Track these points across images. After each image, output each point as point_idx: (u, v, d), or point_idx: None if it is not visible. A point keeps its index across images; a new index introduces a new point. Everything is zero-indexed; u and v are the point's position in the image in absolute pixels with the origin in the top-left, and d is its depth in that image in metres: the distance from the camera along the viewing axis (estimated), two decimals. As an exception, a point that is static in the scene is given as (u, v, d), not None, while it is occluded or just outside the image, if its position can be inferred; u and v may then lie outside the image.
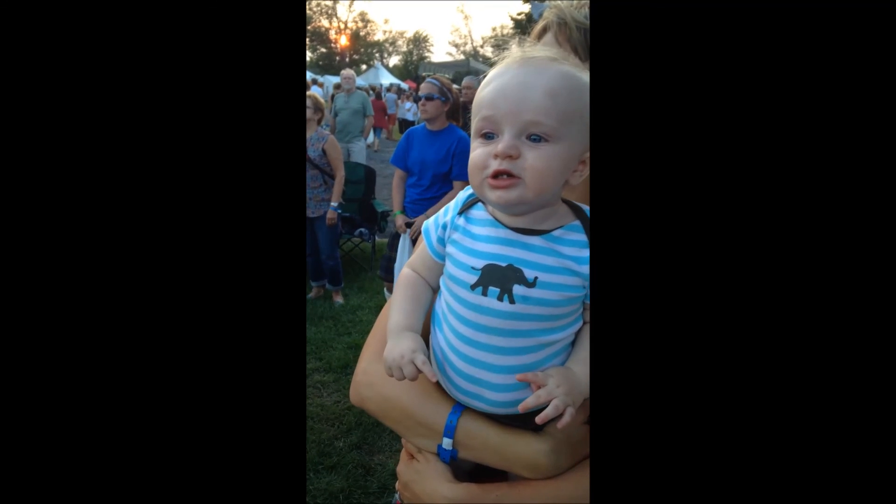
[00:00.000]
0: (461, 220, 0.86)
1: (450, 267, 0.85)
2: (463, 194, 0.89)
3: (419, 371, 0.79)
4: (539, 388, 0.75)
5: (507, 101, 0.75)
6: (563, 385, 0.76)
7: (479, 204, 0.86)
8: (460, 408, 0.88)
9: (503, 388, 0.81)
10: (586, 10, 0.88)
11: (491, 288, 0.79)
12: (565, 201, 0.84)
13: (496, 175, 0.75)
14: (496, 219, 0.83)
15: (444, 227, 0.87)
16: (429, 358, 0.85)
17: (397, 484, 0.98)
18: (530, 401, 0.75)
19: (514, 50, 0.80)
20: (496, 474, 0.89)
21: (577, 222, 0.82)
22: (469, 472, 0.91)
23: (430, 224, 0.90)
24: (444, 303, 0.87)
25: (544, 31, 0.94)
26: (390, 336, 0.86)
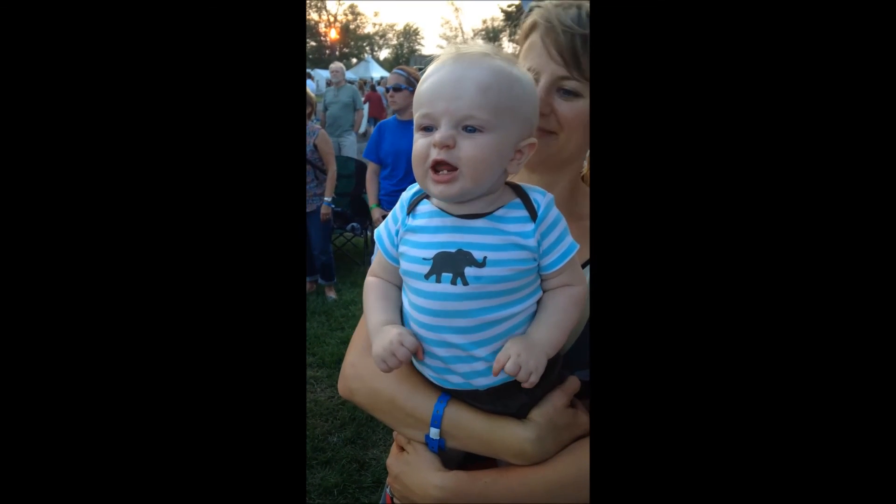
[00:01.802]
0: (409, 220, 0.89)
1: (404, 264, 0.88)
2: (406, 195, 0.92)
3: (410, 352, 0.83)
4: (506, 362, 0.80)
5: (443, 96, 0.80)
6: (524, 352, 0.80)
7: (425, 200, 0.89)
8: (446, 397, 0.90)
9: (472, 360, 0.84)
10: (573, 13, 0.90)
11: (444, 274, 0.83)
12: (507, 183, 0.89)
13: (436, 168, 0.81)
14: (441, 209, 0.86)
15: (396, 232, 0.91)
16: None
17: (388, 477, 0.99)
18: (505, 370, 0.80)
19: (450, 47, 0.85)
20: (486, 462, 0.91)
21: (517, 200, 0.86)
22: (459, 460, 0.93)
23: (382, 231, 0.93)
24: (405, 300, 0.90)
25: (532, 29, 0.96)
26: (373, 335, 0.88)
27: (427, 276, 0.84)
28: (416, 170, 0.84)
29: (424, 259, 0.84)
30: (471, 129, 0.79)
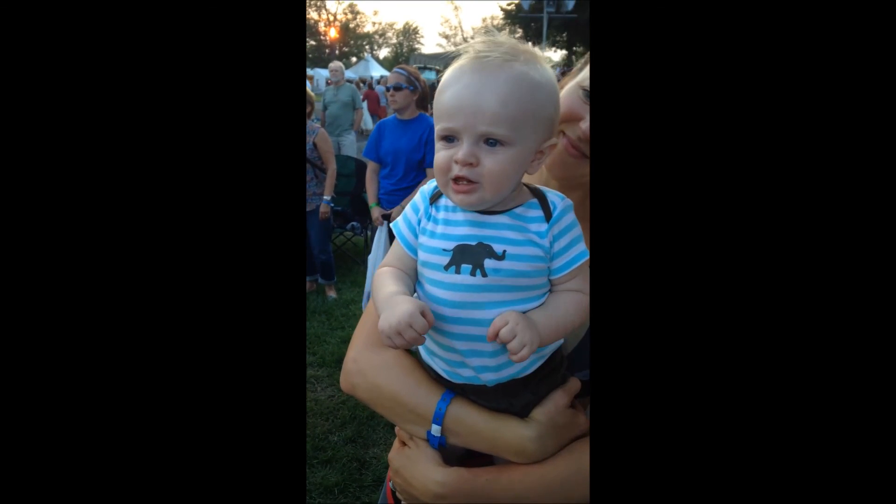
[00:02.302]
0: (432, 210, 0.89)
1: (422, 255, 0.88)
2: (427, 187, 0.93)
3: (419, 335, 0.80)
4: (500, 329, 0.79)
5: (463, 112, 0.80)
6: (520, 323, 0.79)
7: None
8: (450, 395, 0.91)
9: (486, 354, 0.84)
10: None
11: (463, 265, 0.83)
12: (527, 185, 0.89)
13: (457, 180, 0.81)
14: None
15: (418, 222, 0.90)
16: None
17: (390, 471, 1.00)
18: (499, 335, 0.78)
19: (470, 48, 0.83)
20: (485, 459, 0.91)
21: (535, 200, 0.87)
22: (460, 457, 0.93)
23: (401, 222, 0.93)
24: (420, 293, 0.90)
25: None
26: (383, 308, 0.84)
27: (447, 267, 0.84)
28: (439, 179, 0.84)
29: (445, 250, 0.85)
30: (492, 143, 0.80)
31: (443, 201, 0.89)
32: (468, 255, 0.83)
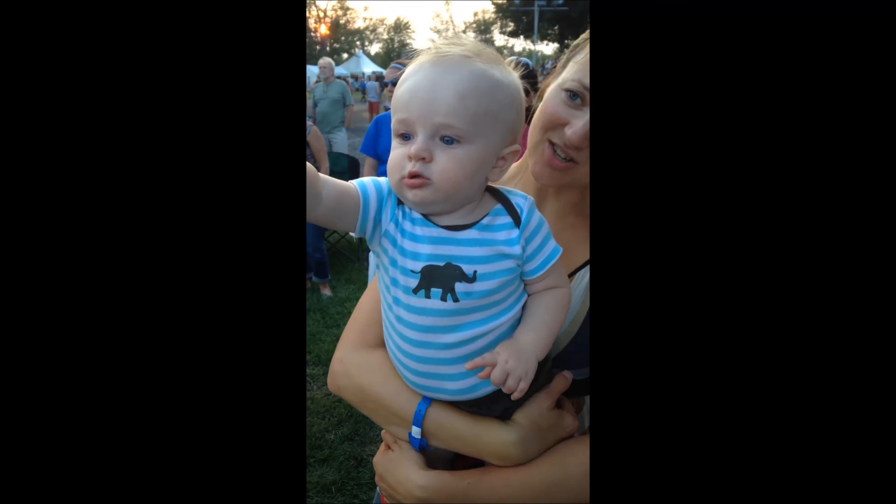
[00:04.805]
0: (398, 213, 0.82)
1: (391, 270, 0.82)
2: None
3: None
4: (492, 367, 0.77)
5: (419, 103, 0.75)
6: (512, 358, 0.77)
7: None
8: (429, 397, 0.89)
9: (459, 376, 0.83)
10: None
11: (433, 289, 0.79)
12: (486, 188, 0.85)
13: (410, 176, 0.76)
14: (426, 217, 0.81)
15: (386, 214, 0.81)
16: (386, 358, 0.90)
17: (376, 476, 0.99)
18: (493, 379, 0.77)
19: (430, 46, 0.80)
20: (475, 462, 0.90)
21: (500, 206, 0.83)
22: (447, 460, 0.92)
23: (368, 181, 0.82)
24: (389, 310, 0.86)
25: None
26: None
27: (415, 291, 0.80)
28: (392, 179, 0.79)
29: (413, 272, 0.79)
30: (448, 140, 0.75)
31: (408, 209, 0.82)
32: (437, 279, 0.78)
